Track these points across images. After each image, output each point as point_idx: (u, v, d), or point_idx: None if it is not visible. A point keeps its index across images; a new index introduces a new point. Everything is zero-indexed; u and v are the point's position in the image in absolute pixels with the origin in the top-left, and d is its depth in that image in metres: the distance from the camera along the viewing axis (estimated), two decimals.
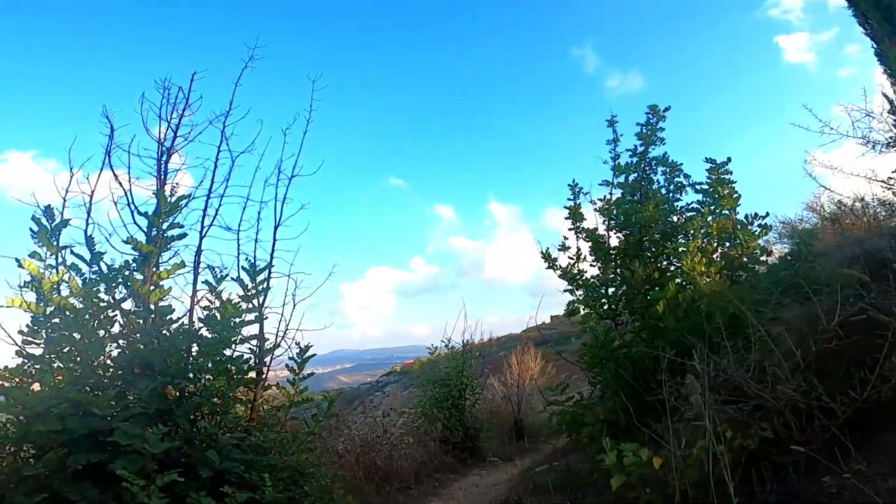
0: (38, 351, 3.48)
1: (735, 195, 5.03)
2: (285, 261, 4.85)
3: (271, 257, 4.79)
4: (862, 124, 4.71)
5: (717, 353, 2.87)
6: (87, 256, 3.89)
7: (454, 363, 10.17)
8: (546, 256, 5.61)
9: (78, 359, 3.54)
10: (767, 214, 5.19)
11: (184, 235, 4.19)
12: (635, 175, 5.33)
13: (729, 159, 5.24)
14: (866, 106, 4.68)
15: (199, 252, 4.51)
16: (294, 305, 4.97)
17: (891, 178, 6.10)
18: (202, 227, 4.56)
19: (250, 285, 4.50)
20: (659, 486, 2.50)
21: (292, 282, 4.90)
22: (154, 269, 4.07)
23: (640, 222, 4.97)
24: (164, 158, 4.44)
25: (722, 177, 5.17)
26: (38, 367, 3.44)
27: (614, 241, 5.49)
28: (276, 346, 4.71)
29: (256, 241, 4.78)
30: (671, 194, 5.36)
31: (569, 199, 5.60)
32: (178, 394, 3.79)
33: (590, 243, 5.39)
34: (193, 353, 4.05)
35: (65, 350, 3.52)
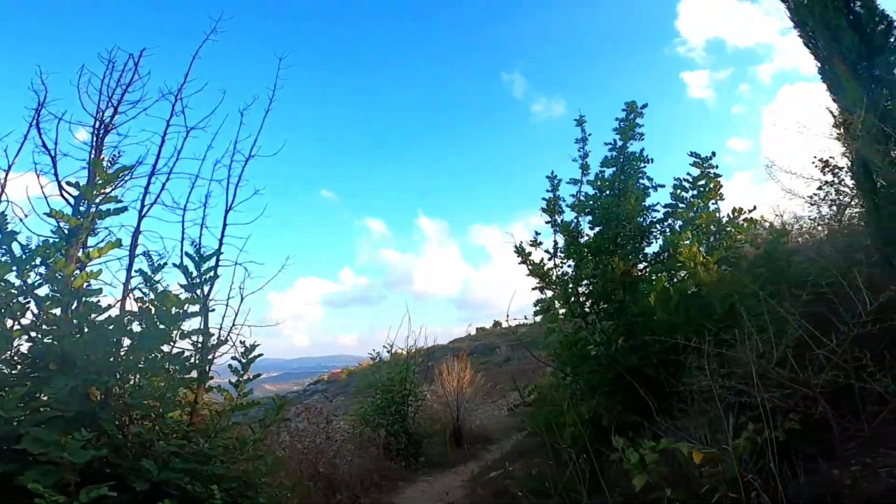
0: None
1: (720, 189, 5.08)
2: (235, 247, 4.33)
3: (220, 243, 4.25)
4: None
5: (720, 345, 2.75)
6: None
7: (397, 369, 10.08)
8: (520, 251, 5.42)
9: None
10: (755, 208, 5.22)
11: (123, 210, 3.60)
12: (613, 169, 5.28)
13: (713, 154, 5.27)
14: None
15: (136, 233, 3.92)
16: (242, 298, 4.44)
17: (814, 195, 6.59)
18: (142, 206, 3.98)
19: (195, 273, 3.95)
20: (683, 485, 2.32)
21: (242, 271, 4.36)
22: (82, 249, 3.45)
23: (619, 217, 4.90)
24: (101, 133, 3.83)
25: (707, 171, 5.20)
26: None
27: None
28: (223, 342, 4.17)
29: (203, 224, 4.23)
30: (646, 191, 5.33)
31: (547, 192, 5.51)
32: (103, 394, 3.20)
33: (566, 237, 5.25)
34: (125, 349, 3.45)
35: None
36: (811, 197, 6.03)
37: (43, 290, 3.38)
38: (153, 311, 3.53)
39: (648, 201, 5.45)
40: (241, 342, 4.29)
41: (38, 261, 3.34)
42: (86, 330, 3.30)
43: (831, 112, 7.18)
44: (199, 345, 3.98)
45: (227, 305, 4.41)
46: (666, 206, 5.41)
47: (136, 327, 3.52)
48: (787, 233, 4.50)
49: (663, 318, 4.13)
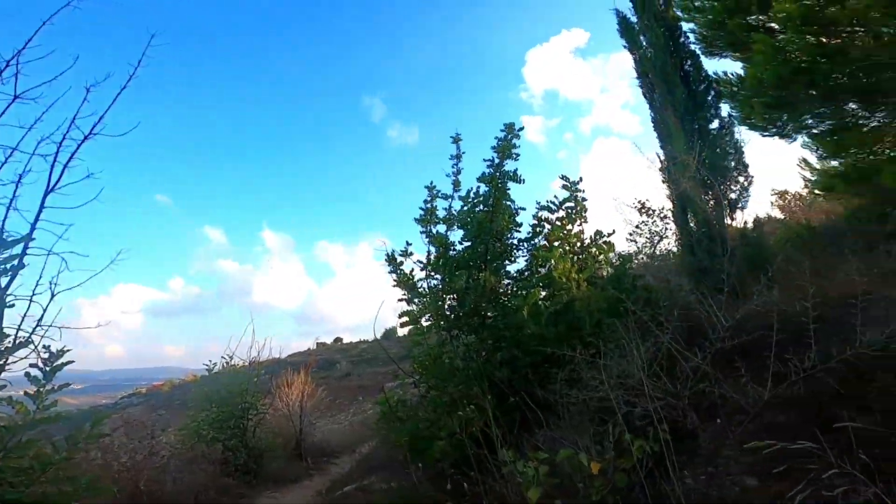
0: None
1: (585, 211, 5.49)
2: (54, 234, 3.54)
3: (33, 227, 3.45)
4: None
5: (593, 357, 2.91)
6: None
7: (238, 380, 9.53)
8: (391, 260, 5.30)
9: None
10: (614, 232, 5.63)
11: None
12: (489, 186, 5.42)
13: (581, 178, 5.65)
14: None
15: None
16: (53, 295, 3.63)
17: (636, 230, 7.70)
18: None
19: None
20: (570, 496, 2.36)
21: (58, 262, 3.57)
22: None
23: (493, 231, 5.03)
24: None
25: (574, 194, 5.57)
26: None
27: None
28: (22, 344, 3.35)
29: (12, 206, 3.39)
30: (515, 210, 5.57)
31: (425, 202, 5.47)
32: None
33: (437, 249, 5.25)
34: None
35: None
36: (630, 234, 7.07)
37: None
38: None
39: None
40: (44, 347, 3.53)
41: None
42: None
43: (660, 158, 8.45)
44: None
45: (31, 301, 3.57)
46: (532, 225, 5.69)
47: None
48: (631, 258, 5.06)
49: (535, 331, 4.33)
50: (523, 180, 5.43)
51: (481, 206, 5.34)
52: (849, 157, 8.52)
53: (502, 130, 5.52)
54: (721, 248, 6.07)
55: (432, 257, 5.28)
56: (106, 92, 3.78)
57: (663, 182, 8.17)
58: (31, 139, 3.58)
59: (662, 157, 8.13)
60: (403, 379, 5.60)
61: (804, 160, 9.63)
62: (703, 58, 8.45)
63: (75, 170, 3.70)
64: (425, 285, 5.44)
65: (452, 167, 5.72)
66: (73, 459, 3.76)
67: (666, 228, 7.53)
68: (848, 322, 3.45)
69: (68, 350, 3.58)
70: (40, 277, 3.55)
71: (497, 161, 5.43)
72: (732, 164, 7.48)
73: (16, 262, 3.40)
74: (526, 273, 5.49)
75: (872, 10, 5.20)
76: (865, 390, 2.82)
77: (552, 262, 4.76)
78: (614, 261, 5.22)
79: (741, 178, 7.46)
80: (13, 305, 3.42)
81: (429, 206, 5.39)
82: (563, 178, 5.64)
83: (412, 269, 5.49)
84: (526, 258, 5.63)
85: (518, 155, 5.51)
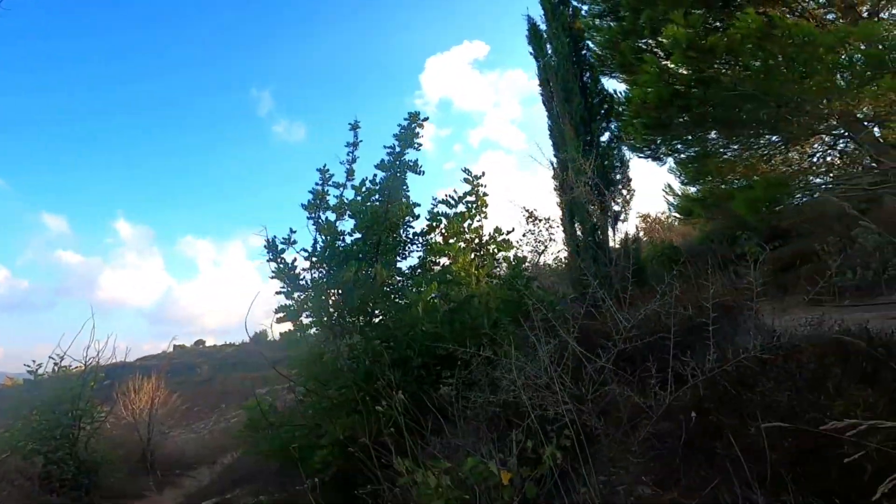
0: None
1: (486, 206, 5.26)
2: None
3: None
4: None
5: (492, 357, 2.67)
6: None
7: (68, 385, 8.38)
8: (271, 247, 4.65)
9: None
10: (513, 230, 5.56)
11: None
12: (386, 174, 5.00)
13: (483, 173, 5.46)
14: None
15: None
16: None
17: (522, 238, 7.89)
18: None
19: None
20: None
21: None
22: None
23: (388, 221, 4.62)
24: None
25: (476, 188, 5.34)
26: None
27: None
28: None
29: None
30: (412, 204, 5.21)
31: (316, 185, 4.94)
32: None
33: (326, 238, 4.70)
34: None
35: None
36: (517, 241, 7.27)
37: None
38: None
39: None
40: None
41: None
42: None
43: (553, 165, 8.73)
44: None
45: None
46: (428, 219, 5.44)
47: None
48: (525, 259, 4.99)
49: (430, 329, 4.02)
50: (423, 171, 5.17)
51: (377, 196, 4.97)
52: (706, 184, 9.53)
53: (406, 119, 5.23)
54: (605, 256, 6.31)
55: (318, 247, 4.77)
56: None
57: (555, 189, 8.48)
58: None
59: (555, 164, 8.46)
60: (274, 385, 5.03)
61: (669, 185, 10.68)
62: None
63: None
64: (308, 277, 4.96)
65: (348, 154, 5.34)
66: None
67: (551, 238, 7.76)
68: (723, 332, 3.62)
69: None
70: None
71: (398, 150, 5.10)
72: (618, 177, 7.91)
73: None
74: (419, 271, 5.25)
75: (746, 42, 5.68)
76: (748, 396, 2.89)
77: (450, 254, 4.54)
78: (512, 260, 5.14)
79: (624, 192, 7.91)
80: None
81: (319, 189, 4.86)
82: (466, 170, 5.48)
83: (295, 259, 4.95)
84: (420, 255, 5.40)
85: (420, 145, 5.27)
